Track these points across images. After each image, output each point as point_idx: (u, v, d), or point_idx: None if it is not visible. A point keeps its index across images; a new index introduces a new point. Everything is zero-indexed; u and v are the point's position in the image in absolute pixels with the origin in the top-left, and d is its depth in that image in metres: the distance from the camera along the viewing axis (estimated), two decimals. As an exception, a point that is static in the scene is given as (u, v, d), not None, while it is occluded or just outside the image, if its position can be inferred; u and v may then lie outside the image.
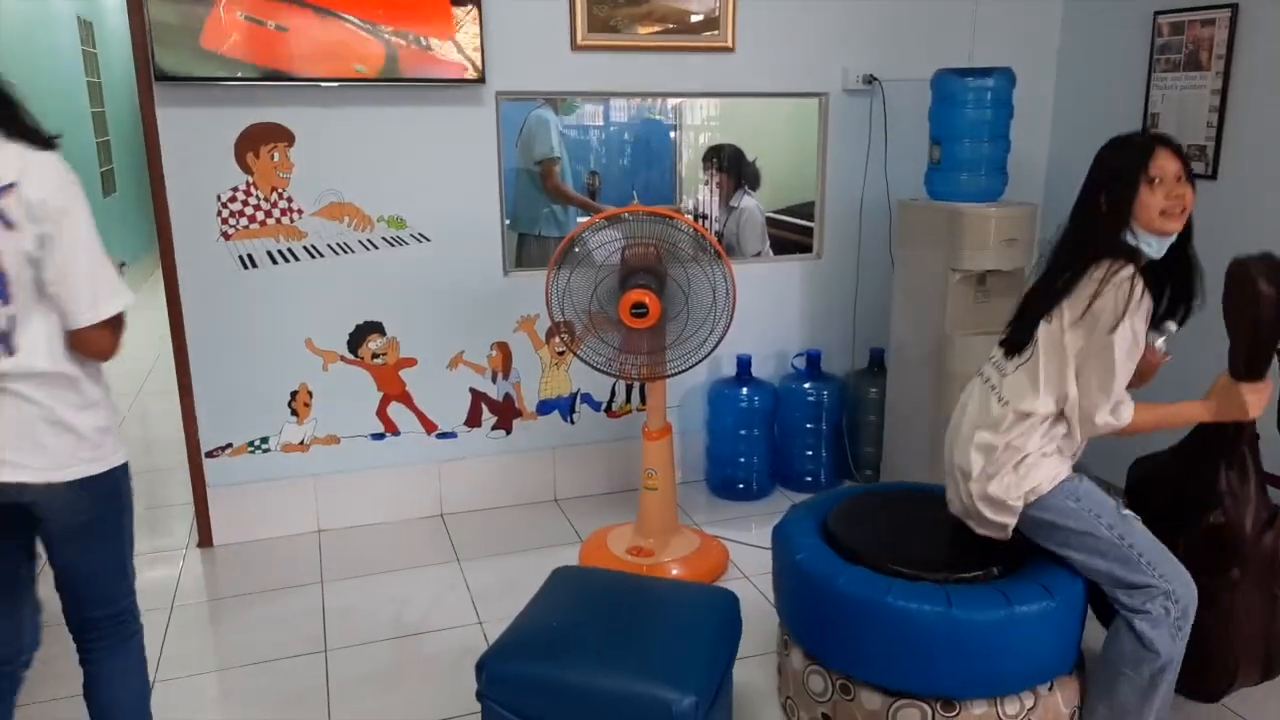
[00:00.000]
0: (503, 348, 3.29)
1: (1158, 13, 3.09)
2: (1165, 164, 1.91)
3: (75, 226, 1.54)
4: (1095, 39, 3.38)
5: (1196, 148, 2.99)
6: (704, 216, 4.00)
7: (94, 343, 1.61)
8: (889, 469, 3.41)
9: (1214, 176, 2.95)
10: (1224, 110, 2.90)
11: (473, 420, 3.31)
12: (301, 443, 3.15)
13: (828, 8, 3.34)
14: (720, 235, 3.87)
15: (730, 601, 2.10)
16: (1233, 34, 2.85)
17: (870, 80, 3.39)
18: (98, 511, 1.68)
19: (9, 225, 1.49)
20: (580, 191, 4.05)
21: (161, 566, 3.03)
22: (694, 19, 3.23)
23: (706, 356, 2.79)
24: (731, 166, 4.01)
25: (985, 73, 3.03)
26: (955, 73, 3.05)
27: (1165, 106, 3.11)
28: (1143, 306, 1.88)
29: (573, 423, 3.43)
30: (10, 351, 1.54)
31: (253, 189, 2.92)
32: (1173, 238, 1.95)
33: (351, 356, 3.13)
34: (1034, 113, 3.53)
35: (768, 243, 3.87)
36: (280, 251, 2.99)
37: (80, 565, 1.72)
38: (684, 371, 2.81)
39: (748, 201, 3.90)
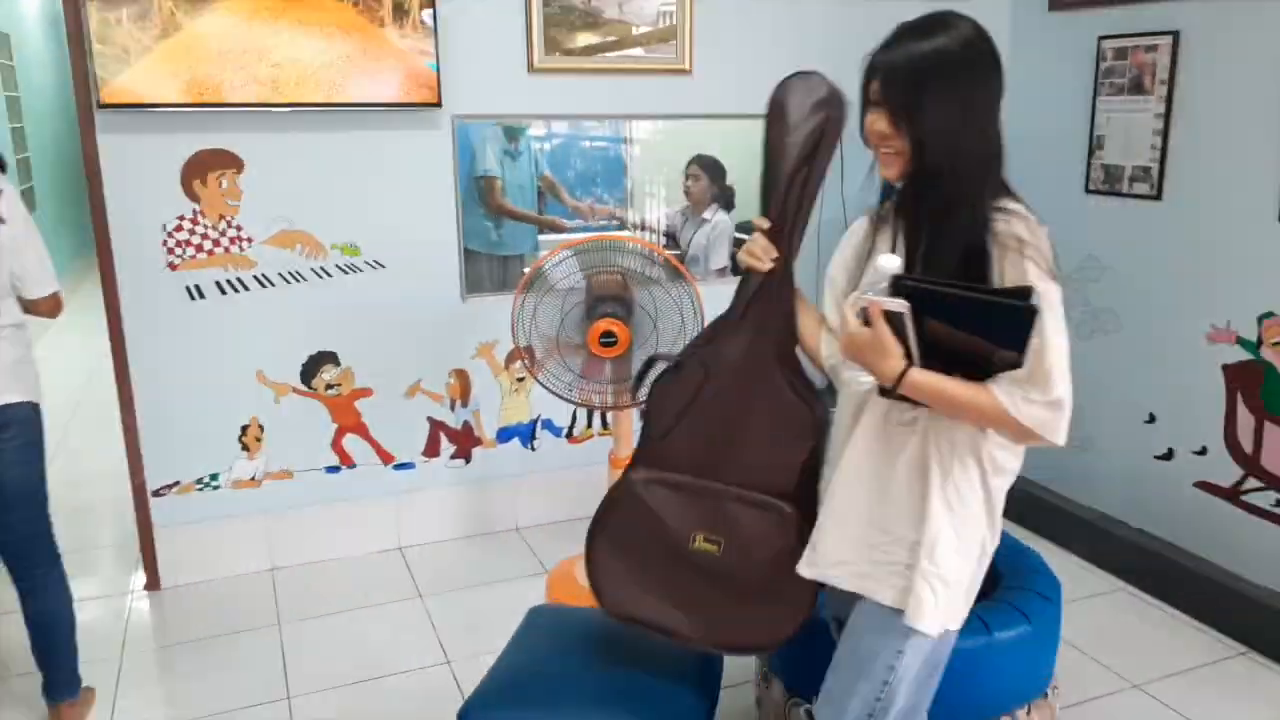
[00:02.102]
0: (461, 375, 3.22)
1: (1102, 37, 3.17)
2: (873, 87, 1.46)
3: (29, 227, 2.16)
4: (1041, 62, 3.46)
5: (1142, 169, 3.08)
6: (669, 235, 3.96)
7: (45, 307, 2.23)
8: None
9: (1159, 197, 3.03)
10: (1167, 133, 2.99)
11: (431, 450, 3.24)
12: (253, 478, 3.04)
13: (782, 32, 3.36)
14: (688, 246, 3.82)
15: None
16: (1175, 59, 2.94)
17: (825, 102, 3.41)
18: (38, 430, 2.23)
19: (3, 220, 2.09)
20: (531, 199, 3.98)
21: (107, 612, 2.89)
22: (637, 31, 3.22)
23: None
24: (714, 178, 3.94)
25: (939, 96, 3.07)
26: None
27: (1110, 129, 3.19)
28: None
29: (533, 449, 3.38)
30: None
31: (200, 217, 2.82)
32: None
33: (304, 388, 3.04)
34: (983, 134, 3.60)
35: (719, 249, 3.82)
36: (229, 281, 2.89)
37: (22, 479, 2.20)
38: (653, 399, 2.78)
39: (721, 216, 3.85)
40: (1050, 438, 1.34)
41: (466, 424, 3.27)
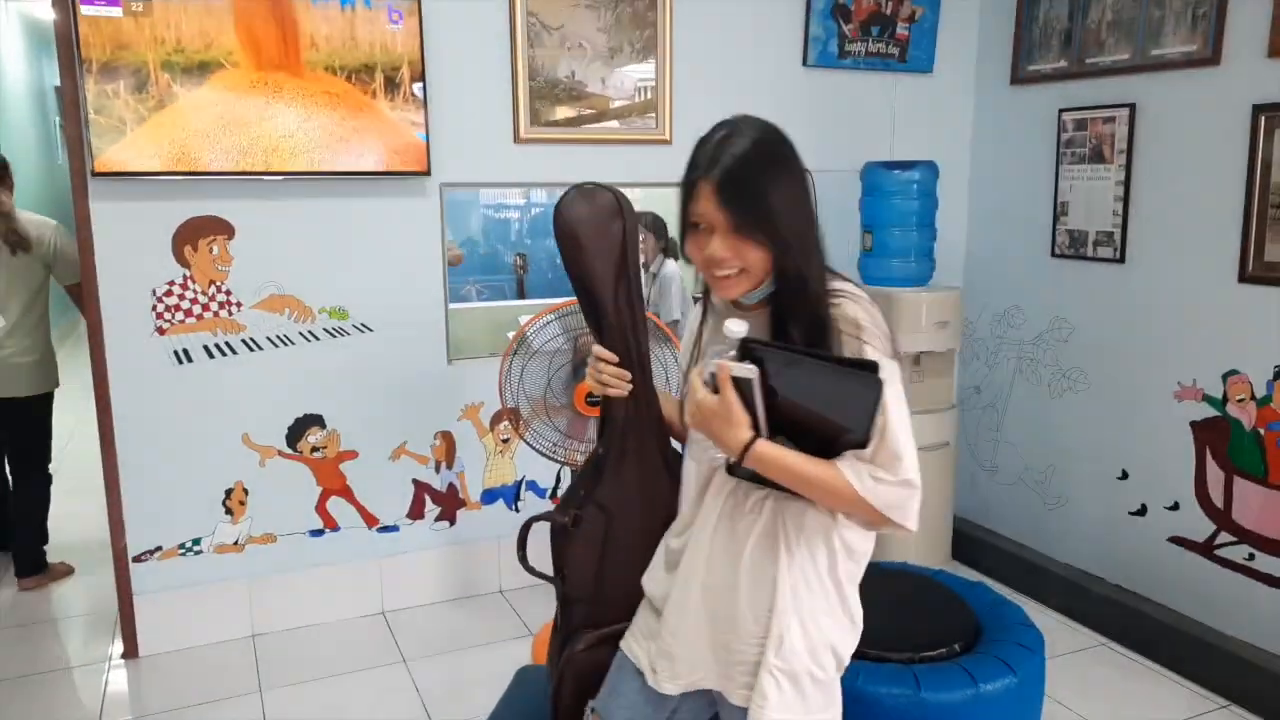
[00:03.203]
0: (446, 437, 3.25)
1: (1062, 110, 3.33)
2: (704, 207, 1.35)
3: None
4: (1005, 133, 3.62)
5: (1105, 234, 3.21)
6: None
7: None
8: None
9: (1122, 260, 3.15)
10: (1128, 199, 3.13)
11: (415, 512, 3.24)
12: (236, 543, 3.02)
13: (757, 103, 3.47)
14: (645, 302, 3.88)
15: (700, 694, 2.08)
16: (1132, 130, 3.09)
17: (800, 171, 3.53)
18: None
19: None
20: (508, 274, 4.04)
21: (84, 681, 2.84)
22: (619, 104, 3.33)
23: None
24: (659, 234, 4.02)
25: (911, 165, 3.20)
26: (883, 165, 3.22)
27: (1074, 195, 3.33)
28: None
29: (518, 510, 3.39)
30: None
31: (190, 282, 2.86)
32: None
33: (290, 451, 3.04)
34: (951, 201, 3.74)
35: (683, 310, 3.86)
36: (218, 345, 2.91)
37: None
38: (638, 459, 2.82)
39: (669, 267, 3.92)
40: (902, 521, 1.28)
41: (451, 486, 3.28)
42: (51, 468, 3.56)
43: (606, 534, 1.65)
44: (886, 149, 3.64)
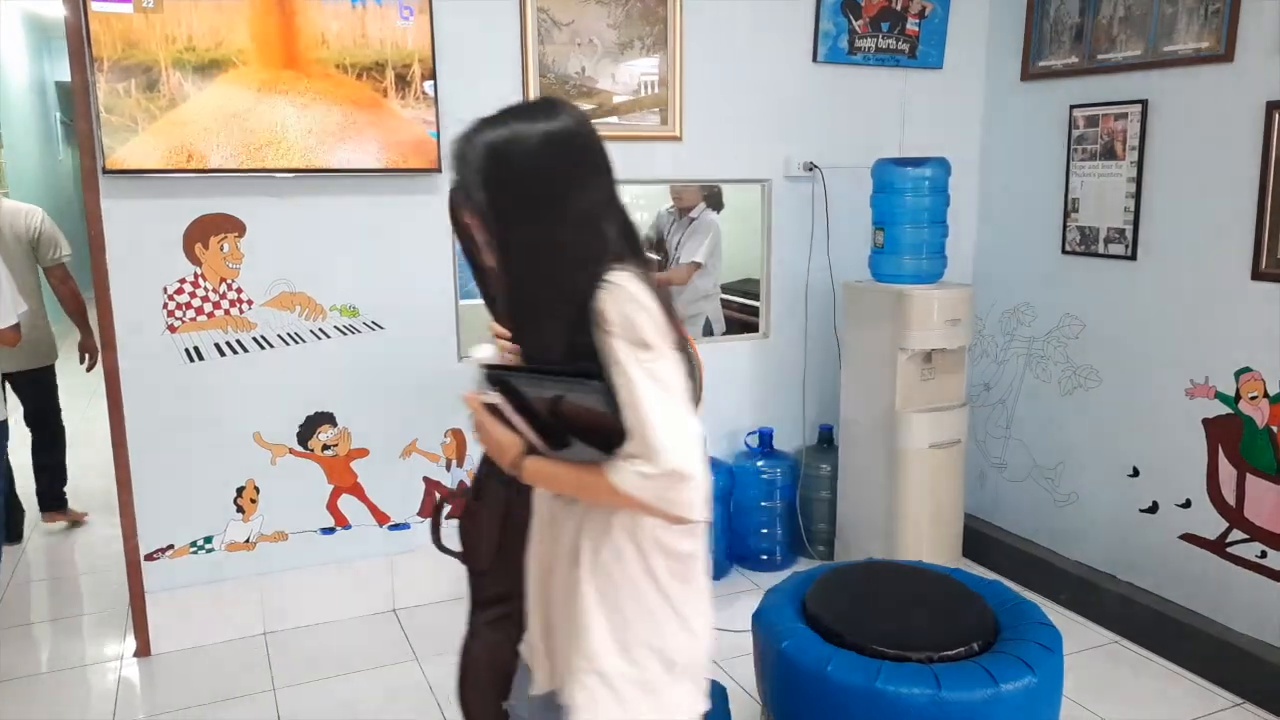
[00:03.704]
0: (458, 434, 3.24)
1: (1073, 106, 3.32)
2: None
3: None
4: (1016, 129, 3.61)
5: (1116, 230, 3.20)
6: (656, 239, 3.95)
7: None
8: (843, 544, 3.46)
9: (1134, 257, 3.15)
10: (1139, 196, 3.12)
11: (426, 510, 3.24)
12: (247, 540, 3.02)
13: (769, 101, 3.48)
14: (674, 248, 3.86)
15: (718, 694, 2.08)
16: (1144, 126, 3.08)
17: (811, 168, 3.54)
18: None
19: None
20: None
21: (96, 680, 2.84)
22: (629, 99, 3.32)
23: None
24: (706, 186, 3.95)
25: (921, 162, 3.19)
26: (894, 162, 3.21)
27: (1084, 192, 3.32)
28: None
29: (528, 509, 3.38)
30: None
31: (201, 280, 2.85)
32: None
33: (301, 449, 3.04)
34: (961, 198, 3.73)
35: (713, 262, 3.86)
36: (229, 343, 2.91)
37: None
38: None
39: (709, 214, 3.89)
40: (681, 513, 1.22)
41: (462, 484, 3.27)
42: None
43: (509, 508, 1.64)
44: (897, 145, 3.64)
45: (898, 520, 3.16)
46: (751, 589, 3.39)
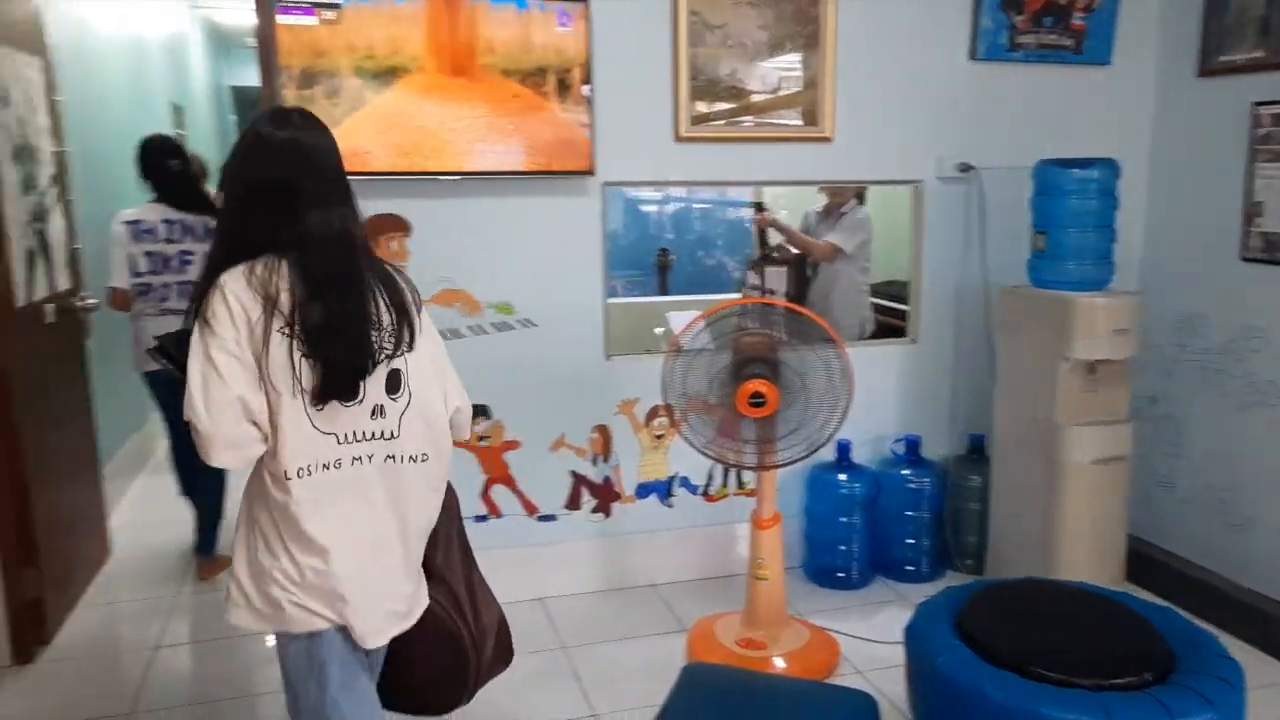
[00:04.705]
0: (603, 430, 3.31)
1: (1258, 103, 3.10)
2: None
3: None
4: (1190, 128, 3.40)
5: (1307, 237, 2.98)
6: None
7: None
8: (994, 559, 3.35)
9: (1327, 266, 2.92)
10: (1336, 201, 2.89)
11: (573, 503, 3.32)
12: (406, 525, 3.17)
13: (922, 100, 3.40)
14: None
15: (869, 707, 2.06)
16: (1343, 126, 2.85)
17: (966, 168, 3.44)
18: None
19: None
20: (652, 271, 4.09)
21: (256, 648, 3.04)
22: (775, 101, 3.31)
23: (829, 440, 2.78)
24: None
25: (1088, 163, 3.05)
26: (1058, 163, 3.08)
27: (1269, 195, 3.10)
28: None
29: (670, 506, 3.43)
30: None
31: (371, 277, 3.01)
32: None
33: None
34: (1128, 201, 3.54)
35: (863, 255, 3.79)
36: (394, 337, 3.06)
37: None
38: (805, 458, 2.80)
39: (860, 209, 3.84)
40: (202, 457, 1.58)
41: (607, 479, 3.34)
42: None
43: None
44: (1060, 146, 3.48)
45: (1056, 538, 3.03)
46: (896, 599, 3.32)
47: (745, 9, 3.22)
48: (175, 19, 6.94)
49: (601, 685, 2.78)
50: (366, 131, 2.84)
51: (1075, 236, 3.03)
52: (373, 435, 1.67)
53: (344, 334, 1.61)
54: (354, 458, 1.65)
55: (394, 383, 1.70)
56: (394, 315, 1.69)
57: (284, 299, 1.58)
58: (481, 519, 3.24)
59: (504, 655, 2.10)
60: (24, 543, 2.96)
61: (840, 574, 3.41)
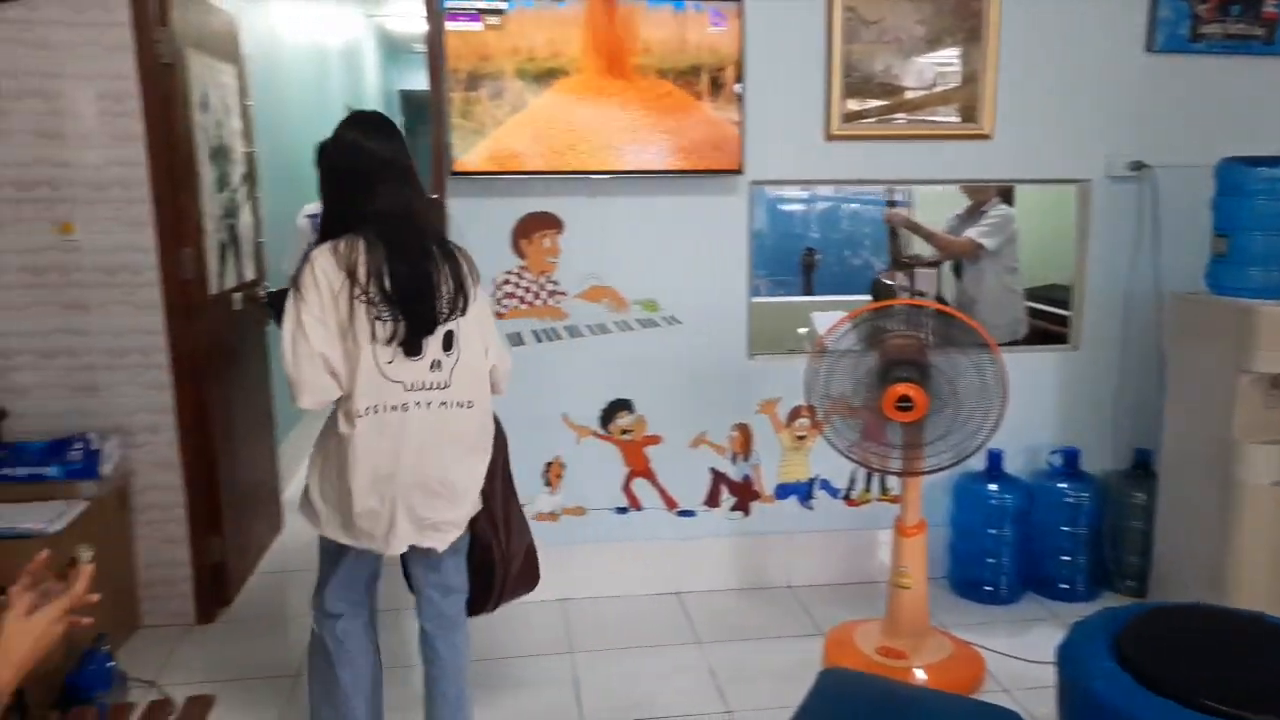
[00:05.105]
0: (744, 429, 3.32)
1: None
2: None
3: None
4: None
5: None
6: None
7: None
8: (1158, 582, 3.15)
9: None
10: None
11: (712, 500, 3.35)
12: (552, 512, 3.28)
13: (1092, 95, 3.24)
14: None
15: (1015, 723, 1.99)
16: None
17: (1138, 166, 3.24)
18: None
19: None
20: (796, 271, 4.09)
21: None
22: (931, 98, 3.22)
23: (979, 449, 2.70)
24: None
25: (1278, 161, 2.83)
26: (1245, 161, 2.87)
27: None
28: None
29: (810, 508, 3.40)
30: None
31: (524, 272, 3.13)
32: None
33: (603, 432, 3.25)
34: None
35: (1008, 254, 3.68)
36: (544, 331, 3.17)
37: None
38: (953, 466, 2.73)
39: (1002, 208, 3.72)
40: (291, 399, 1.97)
41: (747, 478, 3.35)
42: None
43: None
44: (1245, 143, 3.23)
45: (1230, 563, 2.83)
46: (1048, 618, 3.18)
47: (903, 4, 3.16)
48: (352, 27, 7.37)
49: (736, 683, 2.80)
50: (524, 132, 2.95)
51: (1261, 240, 2.81)
52: (431, 385, 2.00)
53: (408, 301, 1.95)
54: (415, 402, 1.99)
55: (449, 341, 2.02)
56: (452, 285, 2.02)
57: (361, 271, 1.92)
58: (622, 510, 3.31)
59: (529, 577, 2.51)
60: (211, 511, 3.25)
61: (988, 588, 3.29)
